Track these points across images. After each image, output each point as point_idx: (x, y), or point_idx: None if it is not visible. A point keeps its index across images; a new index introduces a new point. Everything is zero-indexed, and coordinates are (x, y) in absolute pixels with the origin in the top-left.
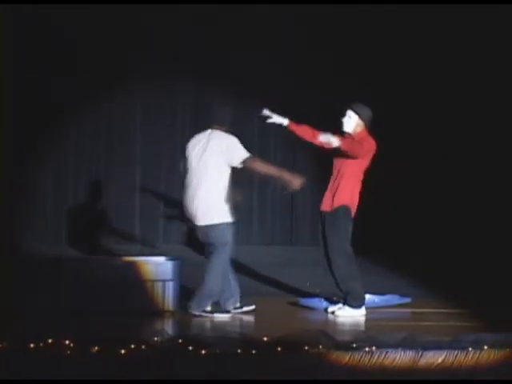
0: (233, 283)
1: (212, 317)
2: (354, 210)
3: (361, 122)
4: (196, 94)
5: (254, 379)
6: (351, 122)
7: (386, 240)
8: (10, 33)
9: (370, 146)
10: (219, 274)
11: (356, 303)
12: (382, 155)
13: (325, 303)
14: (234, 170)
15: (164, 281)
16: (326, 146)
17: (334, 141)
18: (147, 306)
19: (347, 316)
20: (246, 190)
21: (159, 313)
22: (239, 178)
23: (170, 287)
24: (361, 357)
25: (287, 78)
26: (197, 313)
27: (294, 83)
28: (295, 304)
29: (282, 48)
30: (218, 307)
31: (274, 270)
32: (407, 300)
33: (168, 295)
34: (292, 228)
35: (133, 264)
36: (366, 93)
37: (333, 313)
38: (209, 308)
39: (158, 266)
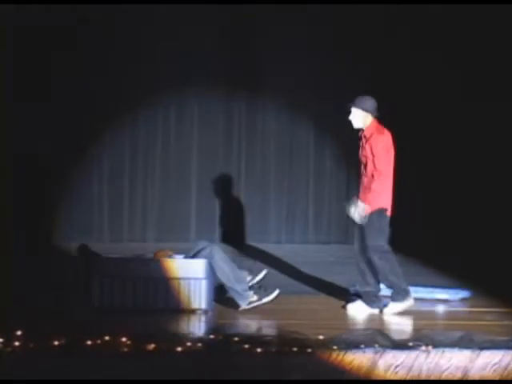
0: None
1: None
2: (389, 209)
3: (367, 114)
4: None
5: (310, 379)
6: (358, 117)
7: (437, 238)
8: (10, 33)
9: (385, 142)
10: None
11: (401, 297)
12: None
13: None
14: None
15: (197, 279)
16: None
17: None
18: (182, 305)
19: (395, 311)
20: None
21: (195, 311)
22: None
23: (203, 285)
24: (417, 356)
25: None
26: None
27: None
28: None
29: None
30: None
31: (329, 269)
32: (467, 294)
33: (201, 293)
34: (347, 227)
35: (166, 262)
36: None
37: (381, 311)
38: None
39: (191, 265)
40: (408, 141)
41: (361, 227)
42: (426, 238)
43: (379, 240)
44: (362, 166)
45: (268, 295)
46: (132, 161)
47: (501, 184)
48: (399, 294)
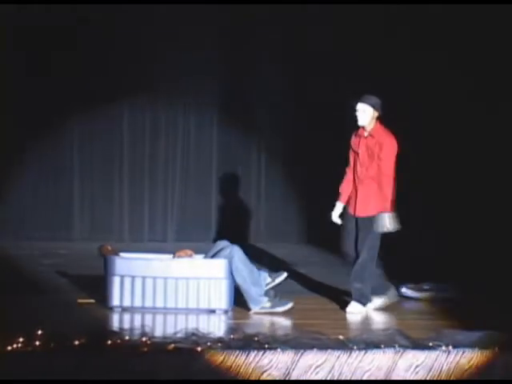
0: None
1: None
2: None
3: (375, 112)
4: None
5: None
6: (367, 114)
7: (437, 238)
8: (10, 33)
9: (396, 147)
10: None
11: (365, 300)
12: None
13: None
14: None
15: (218, 279)
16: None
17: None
18: (202, 305)
19: (357, 312)
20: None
21: (215, 311)
22: None
23: (224, 285)
24: (437, 356)
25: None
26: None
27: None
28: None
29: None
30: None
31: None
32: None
33: (221, 293)
34: None
35: (186, 262)
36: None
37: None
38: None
39: (211, 264)
40: (408, 141)
41: (357, 233)
42: (425, 238)
43: (378, 241)
44: (360, 165)
45: (281, 306)
46: (152, 161)
47: (501, 183)
48: (365, 298)
